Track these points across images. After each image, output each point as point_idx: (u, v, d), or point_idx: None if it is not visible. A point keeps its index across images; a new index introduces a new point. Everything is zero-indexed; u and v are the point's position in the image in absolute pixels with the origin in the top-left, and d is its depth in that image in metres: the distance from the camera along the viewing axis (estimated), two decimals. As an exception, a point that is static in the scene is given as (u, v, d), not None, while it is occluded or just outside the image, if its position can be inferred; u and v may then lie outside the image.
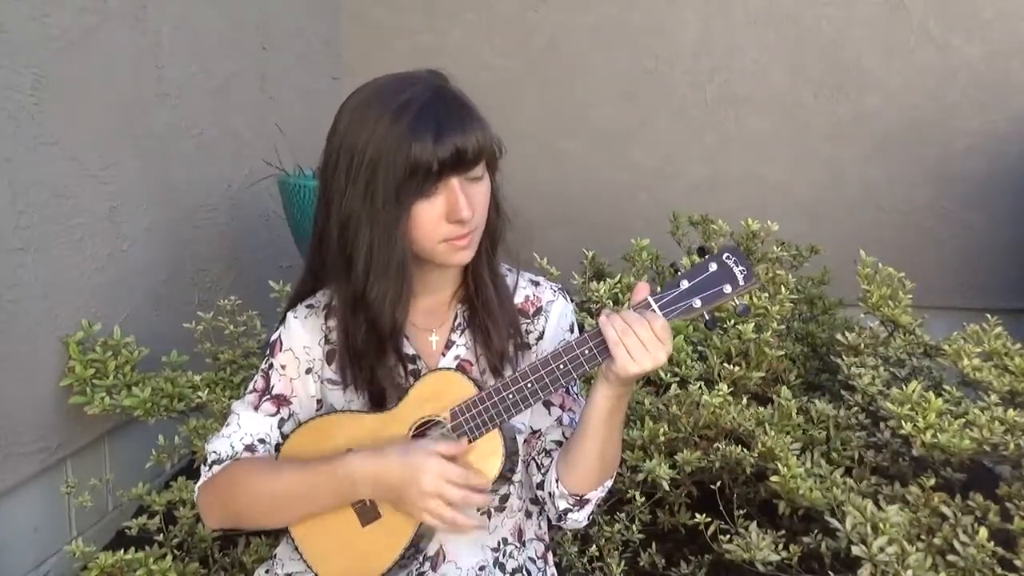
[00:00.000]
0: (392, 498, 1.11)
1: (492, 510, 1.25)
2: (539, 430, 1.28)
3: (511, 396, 1.11)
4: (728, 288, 1.08)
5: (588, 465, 1.18)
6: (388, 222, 1.08)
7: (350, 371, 1.18)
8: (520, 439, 1.23)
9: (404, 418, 1.16)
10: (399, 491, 1.09)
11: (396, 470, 1.09)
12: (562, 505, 1.22)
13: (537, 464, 1.27)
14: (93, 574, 1.61)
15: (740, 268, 1.08)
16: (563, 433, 1.26)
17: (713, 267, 1.09)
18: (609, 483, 1.24)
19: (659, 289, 1.11)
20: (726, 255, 1.09)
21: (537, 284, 1.30)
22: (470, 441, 1.13)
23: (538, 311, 1.27)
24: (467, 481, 1.09)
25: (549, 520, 1.36)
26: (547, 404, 1.27)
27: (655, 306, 1.09)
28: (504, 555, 1.27)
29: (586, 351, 1.10)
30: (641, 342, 1.06)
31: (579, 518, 1.24)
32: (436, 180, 1.07)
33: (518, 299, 1.27)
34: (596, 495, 1.22)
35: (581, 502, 1.22)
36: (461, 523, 1.09)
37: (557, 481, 1.21)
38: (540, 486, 1.26)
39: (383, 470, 1.09)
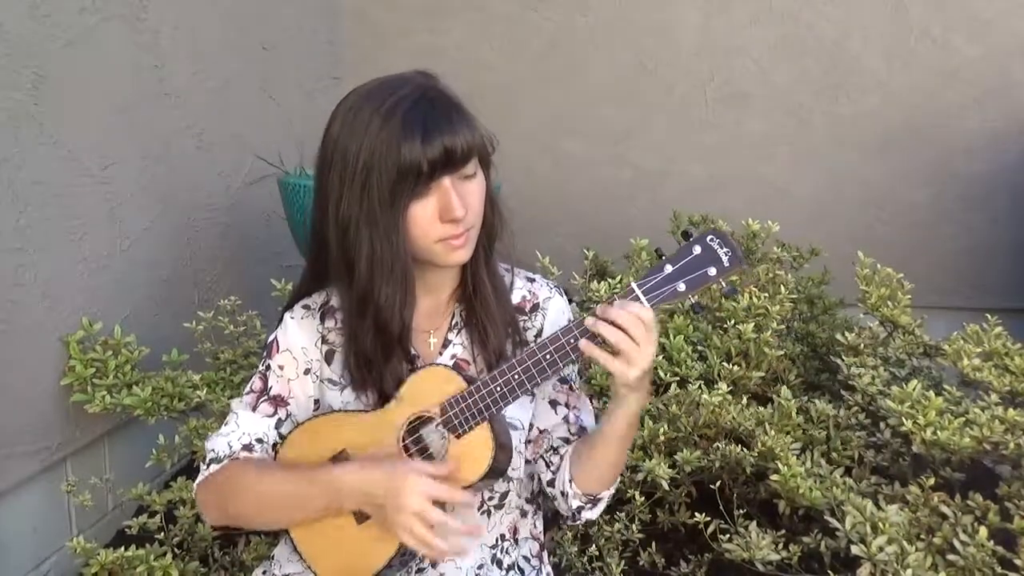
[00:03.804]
0: (375, 512, 1.10)
1: (492, 508, 1.26)
2: (546, 429, 1.28)
3: (499, 388, 1.11)
4: (713, 271, 1.07)
5: (603, 469, 1.20)
6: (387, 225, 1.08)
7: (358, 373, 1.18)
8: (517, 435, 1.23)
9: (397, 415, 1.16)
10: (382, 506, 1.08)
11: (381, 485, 1.08)
12: (575, 504, 1.24)
13: (546, 462, 1.27)
14: (94, 571, 1.62)
15: (725, 250, 1.07)
16: (569, 430, 1.27)
17: (697, 250, 1.07)
18: (618, 480, 1.26)
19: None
20: (710, 237, 1.07)
21: (533, 281, 1.30)
22: (460, 435, 1.13)
23: (535, 308, 1.28)
24: (451, 498, 1.08)
25: (545, 520, 1.37)
26: (553, 404, 1.28)
27: (639, 291, 1.08)
28: (501, 551, 1.28)
29: (571, 339, 1.09)
30: (634, 340, 1.06)
31: (592, 516, 1.27)
32: (428, 181, 1.07)
33: (515, 298, 1.27)
34: (608, 493, 1.25)
35: (594, 501, 1.24)
36: (436, 547, 1.06)
37: (571, 482, 1.22)
38: (551, 483, 1.26)
39: (369, 484, 1.09)
